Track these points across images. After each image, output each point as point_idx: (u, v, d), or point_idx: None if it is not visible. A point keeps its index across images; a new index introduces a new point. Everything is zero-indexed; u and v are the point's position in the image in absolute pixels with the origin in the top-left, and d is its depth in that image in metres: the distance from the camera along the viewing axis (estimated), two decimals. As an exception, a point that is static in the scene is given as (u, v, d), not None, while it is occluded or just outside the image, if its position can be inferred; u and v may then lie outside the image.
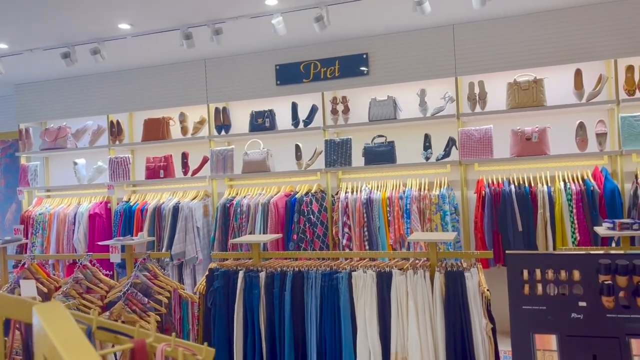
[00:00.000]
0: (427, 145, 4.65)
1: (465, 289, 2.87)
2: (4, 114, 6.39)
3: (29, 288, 2.41)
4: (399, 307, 2.95)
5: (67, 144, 5.66)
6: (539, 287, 1.78)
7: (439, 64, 4.61)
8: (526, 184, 4.28)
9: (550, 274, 1.78)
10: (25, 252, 5.38)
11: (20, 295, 3.14)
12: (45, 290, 3.64)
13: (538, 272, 1.79)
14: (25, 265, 3.83)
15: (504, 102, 4.44)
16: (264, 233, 4.75)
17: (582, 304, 1.69)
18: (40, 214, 5.55)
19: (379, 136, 4.73)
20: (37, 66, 5.19)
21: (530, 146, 4.28)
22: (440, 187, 4.52)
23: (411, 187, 4.57)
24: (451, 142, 4.60)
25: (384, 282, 3.01)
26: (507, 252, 1.94)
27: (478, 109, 4.55)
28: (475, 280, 2.88)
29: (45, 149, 5.71)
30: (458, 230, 4.44)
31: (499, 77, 4.54)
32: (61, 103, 5.80)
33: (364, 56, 4.81)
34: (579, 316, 1.67)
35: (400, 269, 3.00)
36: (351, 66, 4.84)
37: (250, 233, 4.81)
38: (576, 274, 1.73)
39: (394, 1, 3.94)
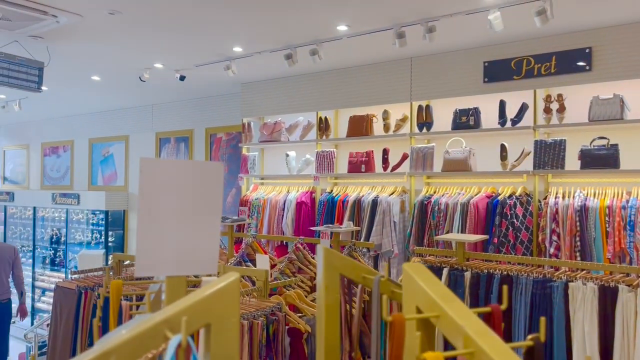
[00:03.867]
0: (660, 150, 4.09)
1: None
2: (231, 109, 7.32)
3: (263, 262, 2.74)
4: (626, 327, 2.67)
5: (281, 138, 6.25)
6: None
7: (683, 57, 4.01)
8: None
9: None
10: (243, 231, 6.10)
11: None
12: (265, 266, 4.07)
13: None
14: (246, 243, 4.34)
15: None
16: (461, 233, 4.67)
17: None
18: (256, 199, 6.24)
19: (600, 138, 4.29)
20: (261, 66, 5.82)
21: None
22: (676, 198, 3.94)
23: (637, 197, 4.06)
24: (693, 148, 3.97)
25: (607, 298, 2.74)
26: None
27: None
28: None
29: (262, 141, 6.39)
30: (697, 250, 3.82)
31: None
32: (278, 100, 6.44)
33: (587, 50, 4.40)
34: None
35: (628, 285, 2.71)
36: (570, 62, 4.47)
37: (447, 232, 4.77)
38: None
39: (631, -12, 3.54)
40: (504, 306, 0.82)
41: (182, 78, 5.93)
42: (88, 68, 6.10)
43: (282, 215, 5.97)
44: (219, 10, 4.12)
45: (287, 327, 2.63)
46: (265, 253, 4.39)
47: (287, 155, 6.23)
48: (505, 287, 0.94)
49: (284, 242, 5.70)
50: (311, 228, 4.56)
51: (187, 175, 1.03)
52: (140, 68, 5.82)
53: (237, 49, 5.16)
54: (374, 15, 4.15)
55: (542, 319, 0.75)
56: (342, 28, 4.46)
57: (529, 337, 0.73)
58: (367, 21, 4.30)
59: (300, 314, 2.99)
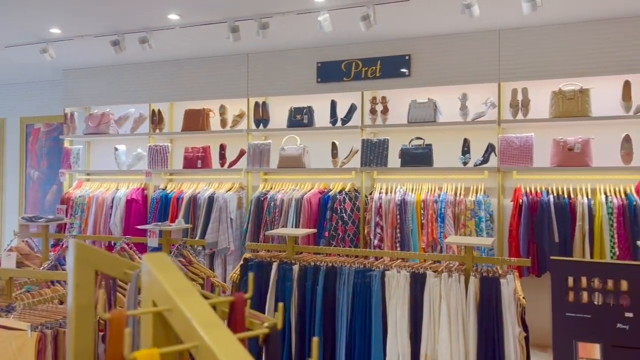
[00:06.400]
0: (465, 150, 4.61)
1: (500, 295, 2.84)
2: (51, 98, 6.60)
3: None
4: (432, 310, 2.94)
5: (109, 130, 5.81)
6: (584, 295, 1.76)
7: (483, 69, 4.57)
8: (565, 195, 4.21)
9: (596, 283, 1.75)
10: (63, 232, 5.54)
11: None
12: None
13: (584, 280, 1.77)
14: (65, 245, 3.94)
15: (547, 110, 4.37)
16: (296, 228, 4.78)
17: (629, 314, 1.66)
18: (80, 197, 5.71)
19: (417, 138, 4.71)
20: (85, 52, 5.34)
21: (572, 157, 4.20)
22: (477, 193, 4.47)
23: (447, 192, 4.54)
24: (490, 149, 4.55)
25: (417, 283, 3.00)
26: (551, 257, 1.91)
27: (520, 116, 4.49)
28: (511, 287, 2.85)
29: (88, 133, 5.87)
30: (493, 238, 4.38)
31: (544, 85, 4.47)
32: (106, 90, 5.96)
33: (406, 57, 4.79)
34: (624, 327, 1.64)
35: (434, 272, 2.99)
36: (393, 67, 4.83)
37: (282, 227, 4.85)
38: (624, 284, 1.71)
39: (441, 3, 3.92)
40: (248, 294, 0.82)
41: (-13, 59, 5.19)
42: None
43: (110, 214, 5.55)
44: (30, -15, 3.67)
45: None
46: (87, 255, 4.03)
47: (116, 149, 5.80)
48: (251, 275, 0.94)
49: (112, 242, 5.30)
50: (138, 227, 4.29)
51: None
52: None
53: (55, 31, 4.66)
54: (206, 6, 4.04)
55: (280, 305, 0.76)
56: (174, 17, 4.27)
57: (265, 324, 0.74)
58: (199, 12, 4.17)
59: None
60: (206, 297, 0.75)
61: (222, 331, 0.58)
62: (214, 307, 0.84)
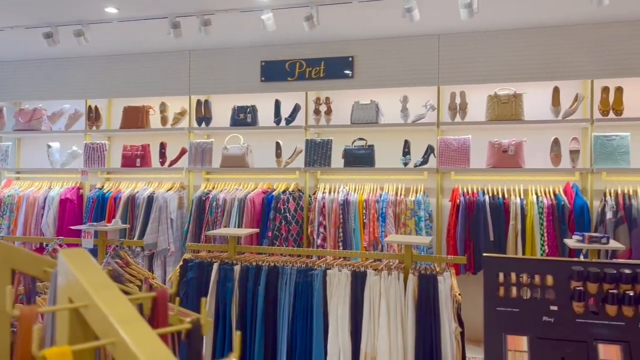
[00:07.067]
0: (406, 151, 4.72)
1: (437, 292, 2.93)
2: (-23, 90, 6.22)
3: None
4: (372, 307, 2.98)
5: (42, 126, 5.54)
6: (514, 290, 1.84)
7: (423, 72, 4.69)
8: (500, 195, 4.38)
9: (524, 278, 1.84)
10: (-10, 234, 5.24)
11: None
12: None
13: (513, 275, 1.85)
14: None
15: (484, 113, 4.54)
16: (239, 228, 4.73)
17: (554, 308, 1.76)
18: (8, 196, 5.41)
19: (360, 139, 4.77)
20: (15, 44, 5.07)
21: (506, 158, 4.38)
22: (417, 193, 4.58)
23: (388, 192, 4.62)
24: (430, 150, 4.68)
25: (358, 282, 3.04)
26: (484, 254, 1.99)
27: (458, 118, 4.64)
28: (448, 284, 2.94)
29: (18, 129, 5.57)
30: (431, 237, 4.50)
31: (480, 89, 4.64)
32: (38, 84, 5.68)
33: (350, 59, 4.85)
34: (550, 319, 1.73)
35: (375, 270, 3.04)
36: (336, 68, 4.87)
37: (225, 227, 4.79)
38: (549, 279, 1.80)
39: (383, 6, 3.99)
40: (173, 290, 0.81)
41: None
42: None
43: (42, 214, 5.29)
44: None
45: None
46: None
47: (50, 146, 5.54)
48: (175, 271, 0.93)
49: (44, 244, 5.06)
50: (71, 227, 4.12)
51: None
52: None
53: (-18, 20, 4.40)
54: (145, 0, 3.93)
55: (203, 300, 0.75)
56: (111, 10, 4.12)
57: (188, 319, 0.73)
58: (138, 6, 4.05)
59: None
60: (127, 294, 0.73)
61: (140, 327, 0.56)
62: (140, 305, 0.82)
